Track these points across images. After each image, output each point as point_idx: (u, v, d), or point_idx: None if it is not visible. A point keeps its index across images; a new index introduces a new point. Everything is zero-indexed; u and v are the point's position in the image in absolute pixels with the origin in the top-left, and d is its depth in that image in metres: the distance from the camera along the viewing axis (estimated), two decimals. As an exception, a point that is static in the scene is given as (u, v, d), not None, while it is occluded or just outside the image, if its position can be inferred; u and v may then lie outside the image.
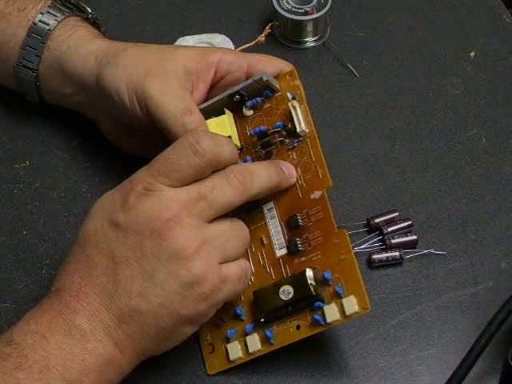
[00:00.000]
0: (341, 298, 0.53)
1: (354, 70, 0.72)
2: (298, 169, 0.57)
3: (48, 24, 0.63)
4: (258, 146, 0.59)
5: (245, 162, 0.58)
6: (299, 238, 0.56)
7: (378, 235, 0.63)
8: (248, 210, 0.57)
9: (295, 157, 0.57)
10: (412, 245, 0.62)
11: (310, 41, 0.74)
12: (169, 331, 0.51)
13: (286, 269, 0.56)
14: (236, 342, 0.56)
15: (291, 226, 0.56)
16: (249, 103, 0.59)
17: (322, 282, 0.54)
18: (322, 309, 0.54)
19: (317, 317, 0.54)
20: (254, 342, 0.55)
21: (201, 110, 0.59)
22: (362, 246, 0.62)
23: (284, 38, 0.74)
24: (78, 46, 0.63)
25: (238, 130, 0.59)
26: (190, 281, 0.49)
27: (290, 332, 0.55)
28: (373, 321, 0.59)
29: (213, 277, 0.50)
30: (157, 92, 0.58)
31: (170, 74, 0.59)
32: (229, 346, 0.56)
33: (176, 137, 0.56)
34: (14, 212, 0.65)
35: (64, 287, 0.50)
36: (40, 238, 0.63)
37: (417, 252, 0.62)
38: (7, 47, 0.64)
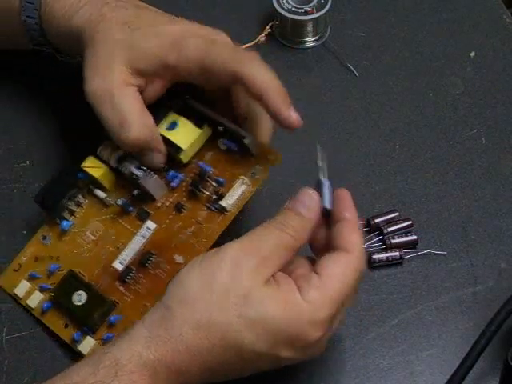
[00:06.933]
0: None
1: (353, 70, 0.72)
2: (193, 226, 0.57)
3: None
4: (190, 181, 0.58)
5: (171, 175, 0.58)
6: (136, 274, 0.57)
7: (378, 235, 0.63)
8: (138, 213, 0.58)
9: (201, 217, 0.57)
10: (412, 245, 0.62)
11: (309, 41, 0.74)
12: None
13: (105, 280, 0.58)
14: (30, 285, 0.59)
15: (141, 260, 0.57)
16: (225, 142, 0.57)
17: (108, 319, 0.57)
18: (86, 336, 0.57)
19: (77, 336, 0.57)
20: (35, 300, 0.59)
21: (188, 104, 0.58)
22: (362, 246, 0.62)
23: (284, 38, 0.74)
24: (60, 24, 0.61)
25: (202, 147, 0.58)
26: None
27: (59, 323, 0.58)
28: (373, 321, 0.59)
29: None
30: (94, 96, 0.57)
31: (112, 72, 0.57)
32: (22, 282, 0.60)
33: (120, 146, 0.57)
34: (14, 212, 0.64)
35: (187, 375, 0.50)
36: (40, 238, 0.63)
37: (417, 252, 0.62)
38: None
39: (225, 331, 0.49)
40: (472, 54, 0.74)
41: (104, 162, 0.59)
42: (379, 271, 0.61)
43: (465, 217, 0.64)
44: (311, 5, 0.72)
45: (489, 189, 0.66)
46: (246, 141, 0.56)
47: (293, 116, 0.54)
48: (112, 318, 0.56)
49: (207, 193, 0.57)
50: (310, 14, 0.72)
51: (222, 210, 0.56)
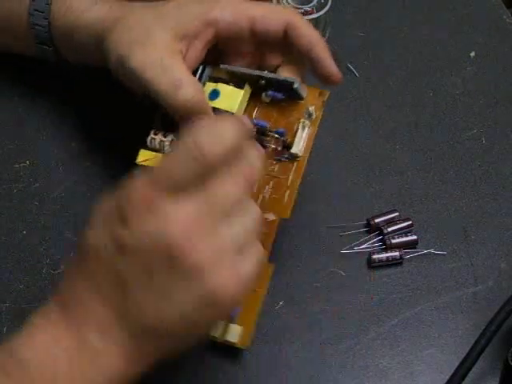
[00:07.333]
0: (231, 321, 0.55)
1: (353, 70, 0.72)
2: (271, 182, 0.56)
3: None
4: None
5: None
6: None
7: (378, 235, 0.63)
8: None
9: (275, 169, 0.57)
10: (412, 245, 0.62)
11: (310, 41, 0.74)
12: (186, 341, 0.49)
13: None
14: None
15: None
16: (270, 93, 0.58)
17: None
18: None
19: None
20: None
21: (222, 69, 0.58)
22: (362, 246, 0.62)
23: (284, 37, 0.74)
24: (78, 19, 0.61)
25: (247, 106, 0.58)
26: (209, 295, 0.45)
27: None
28: (373, 321, 0.59)
29: (231, 285, 0.46)
30: (140, 67, 0.56)
31: (155, 42, 0.57)
32: None
33: (174, 110, 0.56)
34: (14, 212, 0.64)
35: (71, 300, 0.47)
36: (40, 238, 0.63)
37: (417, 252, 0.62)
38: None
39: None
40: (472, 53, 0.74)
41: (156, 150, 0.58)
42: (379, 271, 0.61)
43: (465, 217, 0.64)
44: (311, 5, 0.72)
45: (489, 189, 0.66)
46: (295, 85, 0.56)
47: (337, 69, 0.58)
48: None
49: (273, 146, 0.57)
50: (310, 14, 0.72)
51: (294, 157, 0.56)
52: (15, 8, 0.65)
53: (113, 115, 0.67)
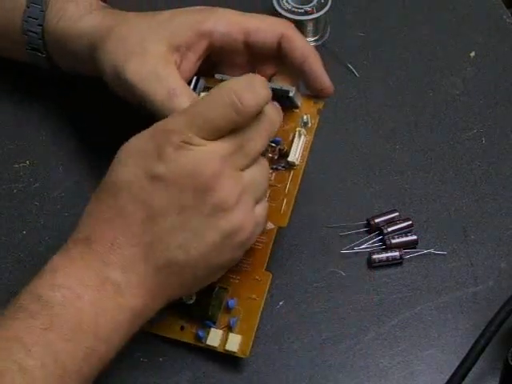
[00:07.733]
0: (231, 331, 0.55)
1: (354, 70, 0.72)
2: (268, 191, 0.56)
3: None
4: None
5: None
6: None
7: (378, 235, 0.63)
8: None
9: (272, 178, 0.57)
10: (412, 245, 0.62)
11: (310, 41, 0.74)
12: (204, 279, 0.52)
13: None
14: None
15: None
16: None
17: (224, 305, 0.56)
18: (209, 329, 0.56)
19: (200, 333, 0.56)
20: None
21: (216, 78, 0.58)
22: (362, 246, 0.62)
23: (284, 37, 0.74)
24: (71, 27, 0.62)
25: None
26: (230, 231, 0.50)
27: (174, 328, 0.57)
28: (373, 321, 0.59)
29: (250, 224, 0.51)
30: (136, 77, 0.57)
31: (150, 53, 0.57)
32: None
33: None
34: (14, 212, 0.64)
35: (95, 237, 0.49)
36: (40, 238, 0.63)
37: (417, 252, 0.62)
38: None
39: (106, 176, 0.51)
40: (472, 53, 0.74)
41: None
42: (379, 271, 0.61)
43: (465, 217, 0.64)
44: (311, 5, 0.72)
45: (489, 189, 0.66)
46: (291, 94, 0.57)
47: (329, 81, 0.59)
48: (229, 303, 0.56)
49: (269, 155, 0.57)
50: (310, 13, 0.72)
51: (291, 165, 0.57)
52: (10, 15, 0.65)
53: (112, 115, 0.67)
